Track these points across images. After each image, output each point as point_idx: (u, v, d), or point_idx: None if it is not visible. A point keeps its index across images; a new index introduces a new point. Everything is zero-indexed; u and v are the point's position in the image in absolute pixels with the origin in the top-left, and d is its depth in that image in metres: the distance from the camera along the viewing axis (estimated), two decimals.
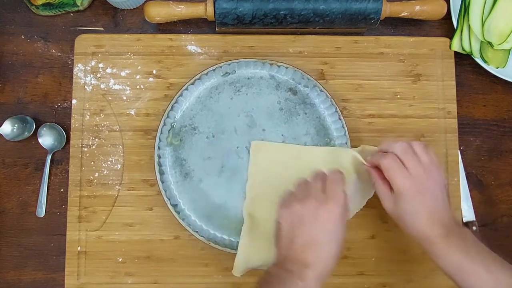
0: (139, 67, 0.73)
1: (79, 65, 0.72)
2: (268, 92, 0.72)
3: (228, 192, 0.70)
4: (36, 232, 0.72)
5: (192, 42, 0.73)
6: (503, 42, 0.72)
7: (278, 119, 0.71)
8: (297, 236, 0.56)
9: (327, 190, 0.58)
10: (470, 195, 0.75)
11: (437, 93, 0.74)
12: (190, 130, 0.70)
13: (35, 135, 0.72)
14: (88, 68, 0.72)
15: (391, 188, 0.60)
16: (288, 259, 0.55)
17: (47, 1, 0.73)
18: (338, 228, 0.56)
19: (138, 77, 0.73)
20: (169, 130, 0.70)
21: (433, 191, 0.59)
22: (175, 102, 0.70)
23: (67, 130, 0.72)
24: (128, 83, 0.73)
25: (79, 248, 0.70)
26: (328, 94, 0.71)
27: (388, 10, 0.71)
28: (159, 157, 0.69)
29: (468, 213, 0.74)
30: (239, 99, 0.71)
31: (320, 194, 0.57)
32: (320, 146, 0.71)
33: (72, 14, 0.75)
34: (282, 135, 0.71)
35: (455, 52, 0.75)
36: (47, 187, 0.72)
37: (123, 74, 0.73)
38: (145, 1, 0.75)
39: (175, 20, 0.72)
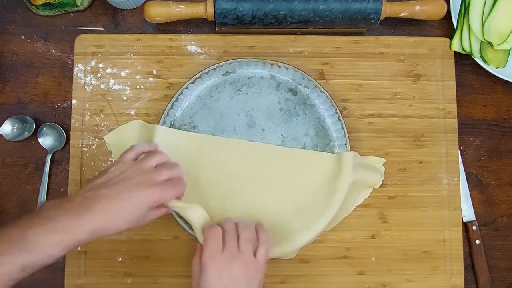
0: (139, 67, 0.73)
1: (79, 65, 0.73)
2: (268, 92, 0.72)
3: None
4: None
5: (192, 42, 0.74)
6: (503, 42, 0.71)
7: (278, 119, 0.71)
8: None
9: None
10: (470, 195, 0.75)
11: (437, 93, 0.74)
12: (189, 128, 0.70)
13: (35, 135, 0.72)
14: (88, 68, 0.72)
15: None
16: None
17: (47, 1, 0.73)
18: None
19: (138, 77, 0.73)
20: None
21: (237, 278, 0.55)
22: (175, 101, 0.70)
23: (67, 130, 0.73)
24: (128, 83, 0.73)
25: (79, 248, 0.70)
26: (328, 95, 0.70)
27: (388, 10, 0.71)
28: None
29: (468, 213, 0.74)
30: (239, 98, 0.71)
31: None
32: (319, 147, 0.71)
33: (72, 14, 0.75)
34: (281, 135, 0.71)
35: (455, 52, 0.75)
36: (47, 187, 0.72)
37: (123, 74, 0.73)
38: (145, 1, 0.75)
39: (175, 20, 0.72)
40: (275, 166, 0.70)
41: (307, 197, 0.69)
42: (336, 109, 0.70)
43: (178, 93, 0.70)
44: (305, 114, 0.71)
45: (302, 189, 0.69)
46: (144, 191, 0.55)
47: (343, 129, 0.70)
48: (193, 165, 0.68)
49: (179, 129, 0.70)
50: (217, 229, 0.58)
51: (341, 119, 0.70)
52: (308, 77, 0.71)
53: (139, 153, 0.62)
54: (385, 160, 0.73)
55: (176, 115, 0.70)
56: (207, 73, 0.71)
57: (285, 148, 0.70)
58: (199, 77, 0.70)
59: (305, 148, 0.71)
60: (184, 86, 0.70)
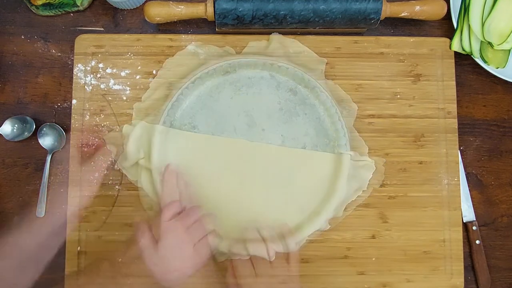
0: (139, 67, 0.73)
1: (79, 65, 0.73)
2: (268, 92, 0.72)
3: None
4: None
5: (192, 42, 0.73)
6: (503, 42, 0.72)
7: (278, 119, 0.71)
8: None
9: None
10: (470, 195, 0.75)
11: (437, 93, 0.74)
12: (189, 128, 0.70)
13: (35, 135, 0.72)
14: (88, 68, 0.72)
15: None
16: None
17: (47, 1, 0.73)
18: None
19: (138, 77, 0.73)
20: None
21: None
22: (175, 101, 0.70)
23: (67, 130, 0.73)
24: (128, 83, 0.73)
25: (79, 248, 0.70)
26: (328, 95, 0.70)
27: (388, 10, 0.71)
28: None
29: (468, 213, 0.74)
30: (239, 98, 0.71)
31: None
32: (319, 147, 0.71)
33: (72, 14, 0.75)
34: (281, 135, 0.71)
35: (455, 52, 0.75)
36: (47, 187, 0.72)
37: (123, 74, 0.73)
38: (145, 1, 0.75)
39: (175, 20, 0.72)
40: (275, 166, 0.70)
41: (307, 197, 0.69)
42: (336, 109, 0.70)
43: (178, 93, 0.70)
44: (305, 114, 0.71)
45: (302, 189, 0.69)
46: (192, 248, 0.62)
47: (343, 129, 0.70)
48: (193, 165, 0.69)
49: (179, 129, 0.70)
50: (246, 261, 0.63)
51: (341, 119, 0.70)
52: (308, 77, 0.71)
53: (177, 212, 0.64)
54: (385, 160, 0.73)
55: (176, 115, 0.70)
56: (207, 73, 0.71)
57: (285, 148, 0.70)
58: (199, 77, 0.70)
59: (305, 148, 0.71)
60: (184, 86, 0.70)
